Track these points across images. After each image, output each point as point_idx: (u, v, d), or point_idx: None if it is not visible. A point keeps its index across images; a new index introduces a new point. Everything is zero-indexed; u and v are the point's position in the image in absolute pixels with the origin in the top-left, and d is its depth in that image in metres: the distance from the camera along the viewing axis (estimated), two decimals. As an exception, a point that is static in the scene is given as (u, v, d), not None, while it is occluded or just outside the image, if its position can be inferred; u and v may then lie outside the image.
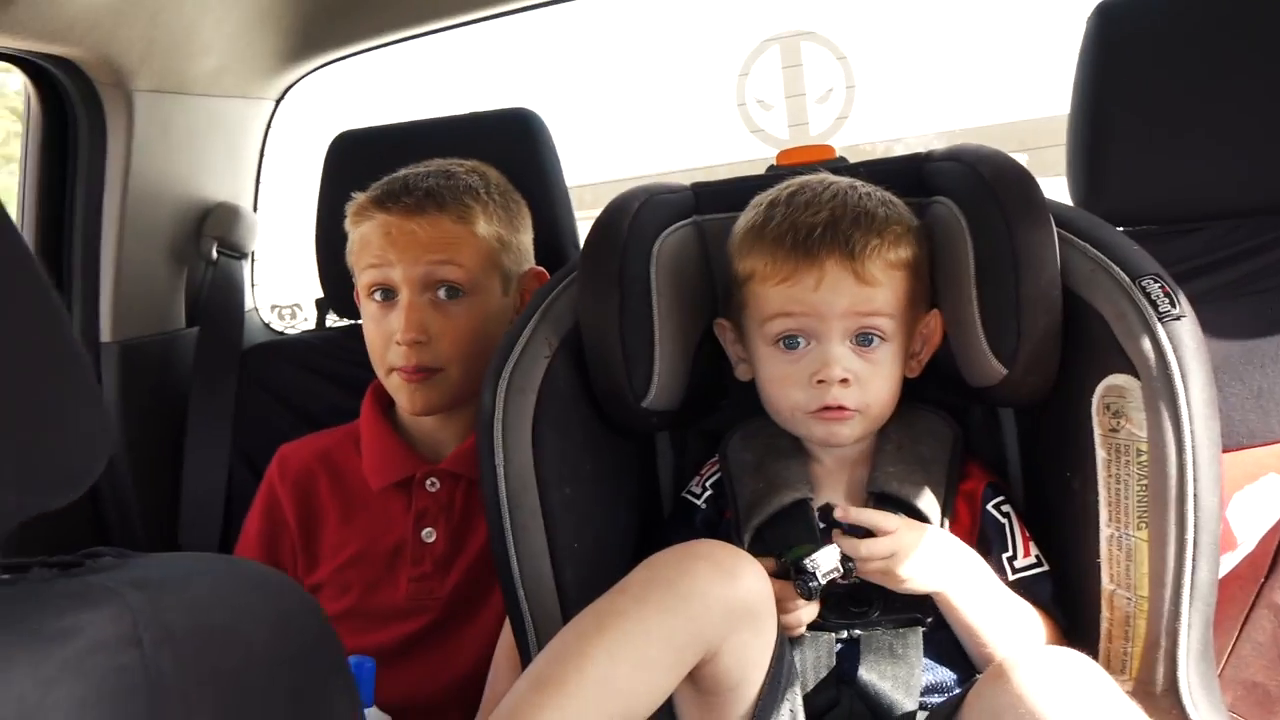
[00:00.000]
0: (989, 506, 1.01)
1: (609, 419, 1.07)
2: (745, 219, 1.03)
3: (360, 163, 1.37)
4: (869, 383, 0.98)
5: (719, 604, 0.83)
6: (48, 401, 0.50)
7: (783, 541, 0.98)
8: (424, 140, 1.46)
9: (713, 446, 1.12)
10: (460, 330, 1.18)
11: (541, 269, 1.28)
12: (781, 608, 0.92)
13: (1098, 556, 0.94)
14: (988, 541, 1.00)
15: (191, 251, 1.53)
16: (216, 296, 1.54)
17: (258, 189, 1.66)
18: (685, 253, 1.08)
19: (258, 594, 0.55)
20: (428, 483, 1.23)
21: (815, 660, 0.96)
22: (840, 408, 0.98)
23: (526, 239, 1.28)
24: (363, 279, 1.22)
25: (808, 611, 0.94)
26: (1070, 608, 0.98)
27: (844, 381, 0.97)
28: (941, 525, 0.98)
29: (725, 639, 0.84)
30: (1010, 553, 0.99)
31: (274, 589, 0.57)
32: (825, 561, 0.92)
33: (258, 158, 1.65)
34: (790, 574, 0.92)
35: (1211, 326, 1.16)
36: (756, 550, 0.99)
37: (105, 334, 1.41)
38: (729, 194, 1.11)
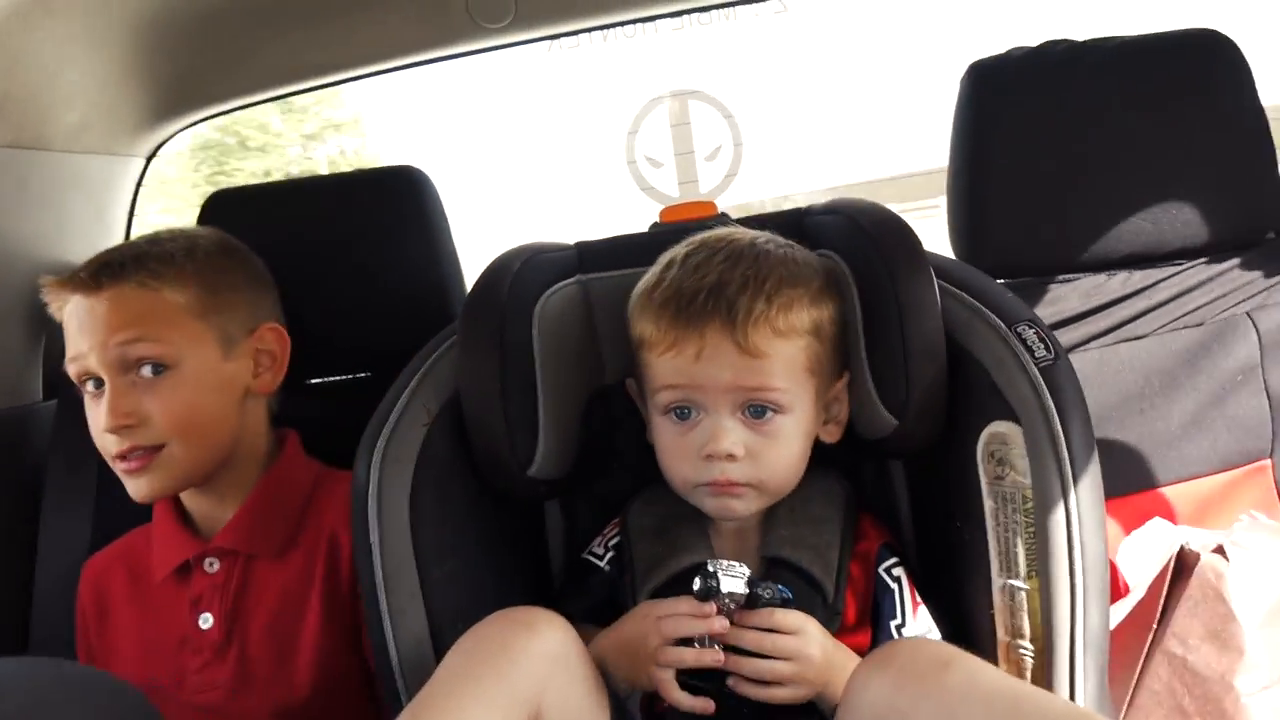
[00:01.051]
0: (881, 569, 0.98)
1: (494, 488, 1.02)
2: (643, 279, 0.99)
3: (236, 223, 1.31)
4: (762, 456, 0.94)
5: (522, 654, 0.83)
6: None
7: None
8: (304, 198, 1.41)
9: (605, 512, 1.09)
10: (174, 407, 1.10)
11: (278, 326, 1.20)
12: (665, 625, 0.89)
13: (991, 608, 0.93)
14: (879, 605, 0.98)
15: (51, 317, 1.43)
16: (78, 365, 1.45)
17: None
18: (569, 313, 1.05)
19: (81, 701, 0.50)
20: (206, 564, 1.16)
21: None
22: (730, 483, 0.94)
23: (253, 297, 1.20)
24: (70, 370, 1.14)
25: (701, 655, 0.89)
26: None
27: (733, 456, 0.93)
28: (836, 589, 0.96)
29: (542, 691, 0.83)
30: (899, 620, 0.96)
31: (101, 694, 0.52)
32: (731, 572, 0.88)
33: (127, 217, 1.57)
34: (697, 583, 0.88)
35: (1093, 376, 1.19)
36: None
37: (-51, 410, 1.31)
38: (613, 252, 1.10)
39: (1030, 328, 0.93)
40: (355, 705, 1.14)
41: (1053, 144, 1.19)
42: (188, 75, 1.48)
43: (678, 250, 0.98)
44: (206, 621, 1.13)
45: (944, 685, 0.77)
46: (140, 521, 1.24)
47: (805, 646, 0.89)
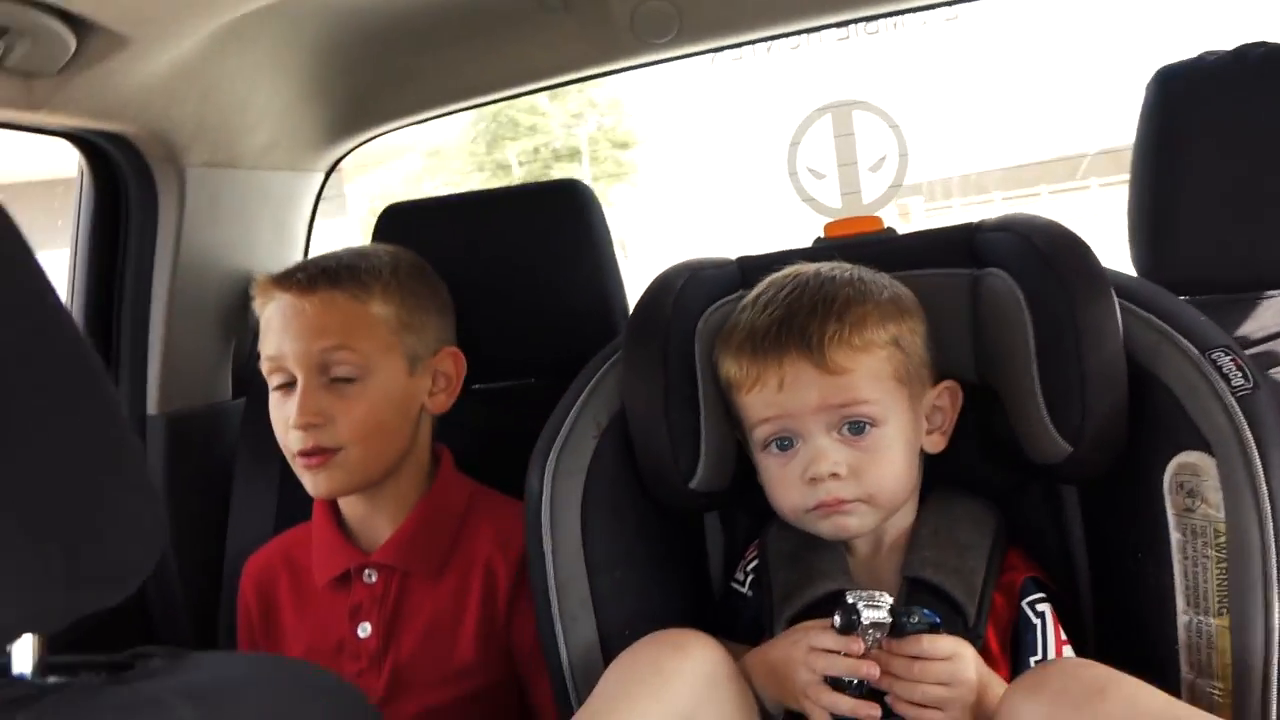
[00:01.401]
0: (1024, 603, 0.95)
1: (658, 499, 1.04)
2: (724, 328, 1.01)
3: (409, 235, 1.38)
4: (866, 472, 0.94)
5: (675, 675, 0.86)
6: (99, 495, 0.49)
7: None
8: (472, 212, 1.47)
9: (763, 524, 1.09)
10: (357, 414, 1.14)
11: (457, 350, 1.24)
12: (815, 660, 0.88)
13: (1176, 643, 0.89)
14: (1019, 639, 0.95)
15: (239, 323, 1.54)
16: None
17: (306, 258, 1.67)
18: (732, 329, 1.06)
19: (317, 705, 0.53)
20: (365, 575, 1.20)
21: None
22: (839, 500, 0.94)
23: (440, 321, 1.25)
24: (264, 366, 1.19)
25: (857, 708, 0.87)
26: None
27: (836, 475, 0.93)
28: (977, 616, 0.94)
29: (695, 710, 0.86)
30: (1039, 656, 0.93)
31: (334, 699, 0.54)
32: (873, 602, 0.86)
33: (306, 229, 1.67)
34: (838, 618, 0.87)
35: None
36: None
37: (152, 407, 1.42)
38: (775, 267, 1.10)
39: (1226, 354, 0.88)
40: (503, 707, 1.18)
41: (1251, 152, 1.12)
42: (363, 94, 1.55)
43: (749, 295, 1.01)
44: (365, 630, 1.18)
45: (1103, 715, 0.75)
46: (316, 514, 1.32)
47: (961, 671, 0.87)
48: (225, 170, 1.45)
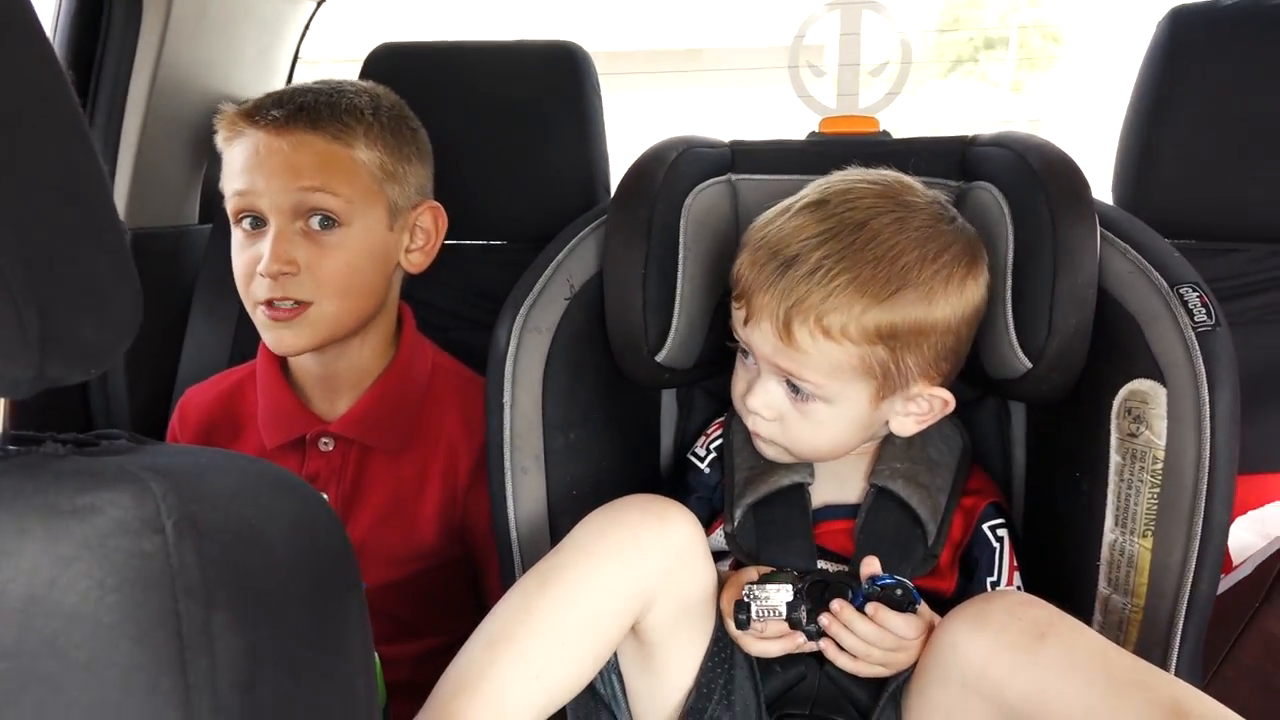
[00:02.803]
0: (985, 526, 0.98)
1: (621, 368, 1.05)
2: (775, 207, 0.94)
3: (397, 77, 1.33)
4: (792, 428, 0.93)
5: (652, 548, 0.84)
6: (82, 269, 0.48)
7: (773, 524, 0.97)
8: (464, 61, 1.42)
9: (719, 407, 1.12)
10: (334, 265, 1.06)
11: (438, 205, 1.15)
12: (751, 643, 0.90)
13: (1097, 559, 0.93)
14: (972, 560, 0.98)
15: (213, 147, 1.49)
16: (233, 195, 1.51)
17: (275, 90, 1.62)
18: (717, 210, 1.06)
19: (283, 497, 0.53)
20: (321, 443, 1.14)
21: None
22: (756, 434, 0.95)
23: (421, 170, 1.14)
24: (230, 204, 1.08)
25: (786, 645, 0.90)
26: (1060, 607, 0.98)
27: (763, 415, 0.93)
28: (937, 536, 0.96)
29: (663, 585, 0.85)
30: (995, 578, 0.96)
31: (298, 495, 0.55)
32: (769, 600, 0.87)
33: (292, 58, 1.61)
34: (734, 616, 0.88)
35: (1240, 350, 1.16)
36: (746, 529, 0.98)
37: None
38: (766, 155, 1.10)
39: (1194, 291, 0.90)
40: (455, 587, 1.17)
41: (1248, 105, 1.13)
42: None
43: (808, 194, 0.92)
44: None
45: (1040, 659, 0.77)
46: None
47: (905, 650, 0.87)
48: (213, -18, 1.40)
